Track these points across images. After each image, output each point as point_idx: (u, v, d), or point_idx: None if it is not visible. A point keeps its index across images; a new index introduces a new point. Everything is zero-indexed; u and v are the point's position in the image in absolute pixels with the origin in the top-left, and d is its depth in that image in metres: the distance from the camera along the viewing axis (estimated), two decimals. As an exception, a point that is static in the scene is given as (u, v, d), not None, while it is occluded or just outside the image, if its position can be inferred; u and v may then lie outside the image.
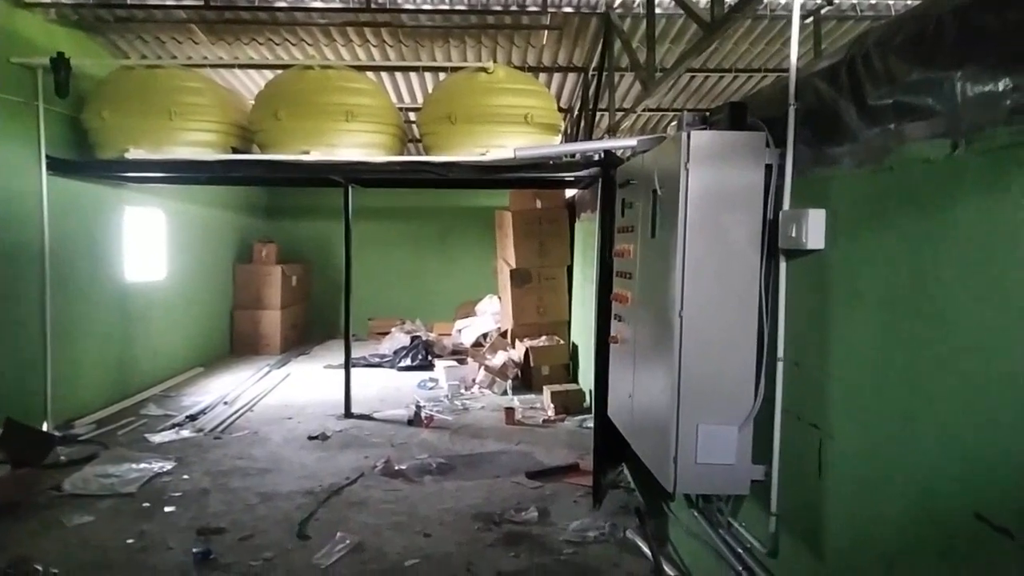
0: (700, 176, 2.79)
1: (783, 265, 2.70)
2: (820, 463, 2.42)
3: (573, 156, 6.38)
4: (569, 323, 9.10)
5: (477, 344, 10.76)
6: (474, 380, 8.62)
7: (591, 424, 6.76)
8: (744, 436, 2.85)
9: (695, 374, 2.82)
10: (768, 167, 2.80)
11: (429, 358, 10.02)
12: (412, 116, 8.89)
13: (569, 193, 9.24)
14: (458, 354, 10.36)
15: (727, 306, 2.83)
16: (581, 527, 4.51)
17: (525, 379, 8.50)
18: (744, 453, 2.85)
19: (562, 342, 8.75)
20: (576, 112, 8.91)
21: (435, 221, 13.20)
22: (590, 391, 7.46)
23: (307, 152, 6.30)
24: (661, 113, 9.65)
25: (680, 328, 2.81)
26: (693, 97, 8.77)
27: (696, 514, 3.59)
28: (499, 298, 10.87)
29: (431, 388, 8.67)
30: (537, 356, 8.41)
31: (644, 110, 8.74)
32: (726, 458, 2.84)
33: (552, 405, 7.25)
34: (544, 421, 7.08)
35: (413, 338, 10.48)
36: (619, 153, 5.70)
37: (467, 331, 11.11)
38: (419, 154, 7.13)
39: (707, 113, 3.10)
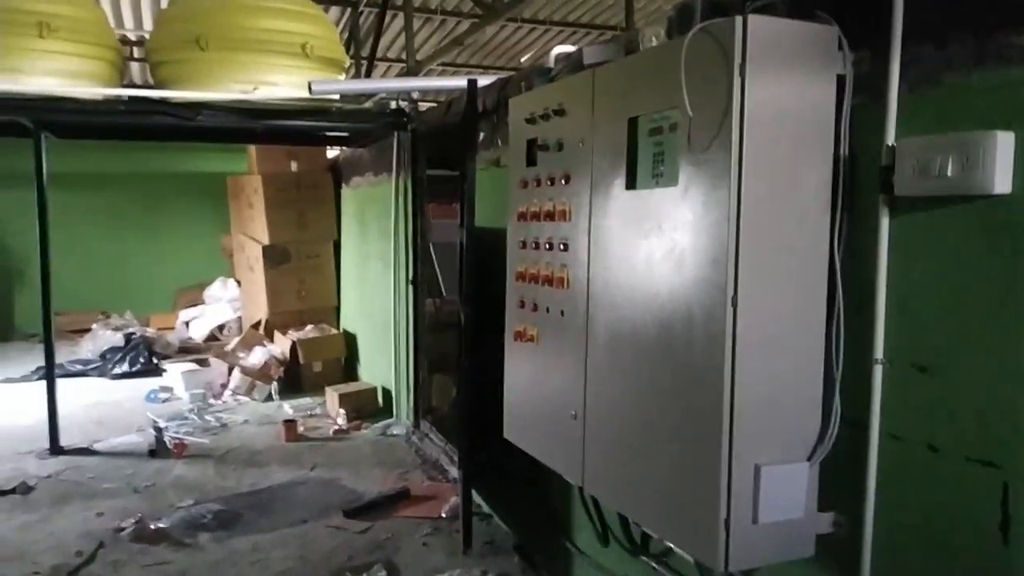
0: (762, 87, 1.80)
1: (885, 223, 1.82)
2: (1006, 518, 1.59)
3: (387, 99, 5.08)
4: (338, 309, 7.70)
5: (212, 338, 8.90)
6: (224, 386, 6.91)
7: (398, 431, 5.60)
8: (813, 475, 1.96)
9: (753, 391, 1.86)
10: (840, 79, 1.90)
11: (154, 360, 7.97)
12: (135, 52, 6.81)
13: (331, 153, 7.78)
14: (190, 352, 8.41)
15: (791, 288, 1.90)
16: (453, 585, 3.38)
17: (291, 379, 6.98)
18: (811, 499, 1.96)
19: (334, 331, 7.36)
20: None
21: (141, 190, 10.76)
22: (383, 389, 6.25)
23: (-22, 78, 4.25)
24: (455, 69, 8.42)
25: (733, 323, 1.82)
26: (491, 56, 7.75)
27: (653, 563, 2.67)
28: (237, 282, 9.06)
29: (166, 400, 6.78)
30: (307, 350, 6.94)
31: (440, 64, 7.50)
32: (794, 510, 1.92)
33: (342, 411, 5.91)
34: (335, 432, 5.72)
35: (128, 336, 8.29)
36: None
37: (197, 323, 9.15)
38: (148, 92, 5.27)
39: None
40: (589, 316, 2.41)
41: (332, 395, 6.14)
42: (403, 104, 5.27)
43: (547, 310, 2.66)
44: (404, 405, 5.75)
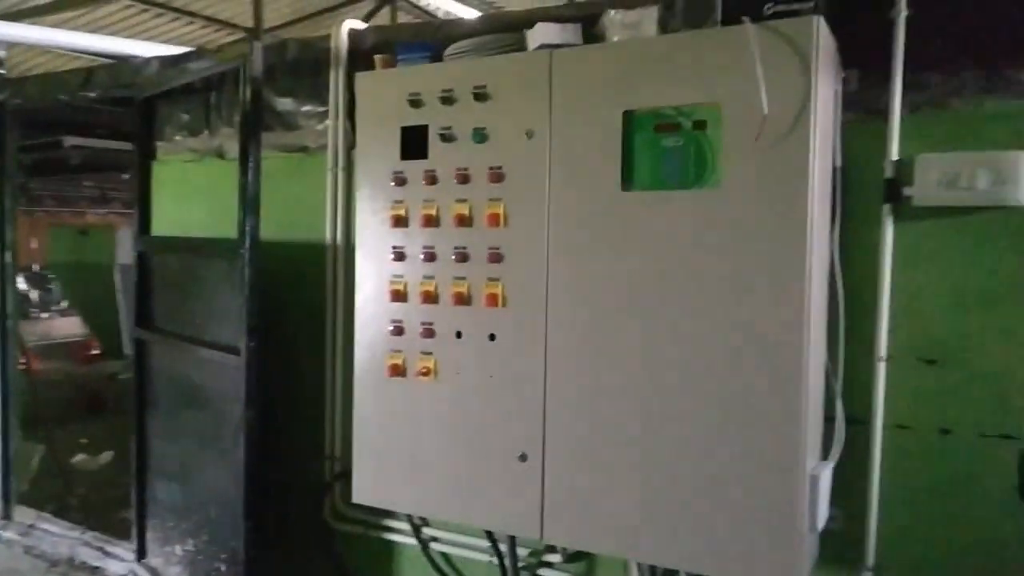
0: (824, 90, 1.78)
1: (890, 230, 1.96)
2: (1022, 480, 1.86)
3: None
4: None
5: None
6: None
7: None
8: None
9: (809, 397, 1.81)
10: (835, 93, 2.00)
11: None
12: None
13: None
14: None
15: (819, 295, 1.92)
16: None
17: None
18: (823, 498, 2.01)
19: None
20: None
21: None
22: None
23: None
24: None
25: (808, 330, 1.76)
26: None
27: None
28: None
29: None
30: None
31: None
32: (826, 513, 1.93)
33: None
34: None
35: None
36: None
37: None
38: None
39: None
40: (548, 338, 2.05)
41: None
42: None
43: (457, 335, 2.18)
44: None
